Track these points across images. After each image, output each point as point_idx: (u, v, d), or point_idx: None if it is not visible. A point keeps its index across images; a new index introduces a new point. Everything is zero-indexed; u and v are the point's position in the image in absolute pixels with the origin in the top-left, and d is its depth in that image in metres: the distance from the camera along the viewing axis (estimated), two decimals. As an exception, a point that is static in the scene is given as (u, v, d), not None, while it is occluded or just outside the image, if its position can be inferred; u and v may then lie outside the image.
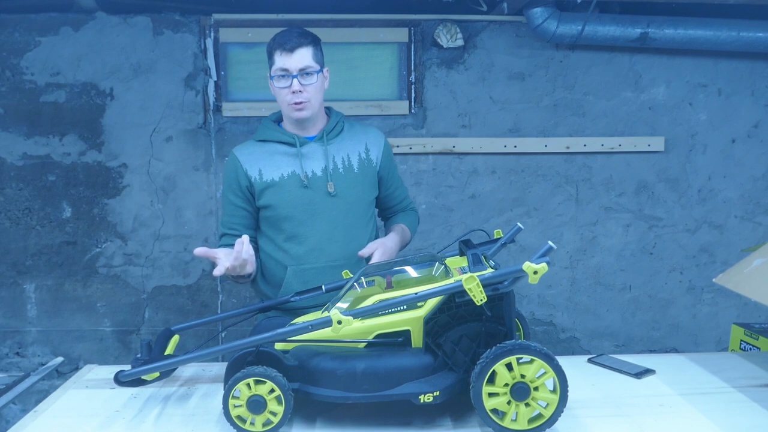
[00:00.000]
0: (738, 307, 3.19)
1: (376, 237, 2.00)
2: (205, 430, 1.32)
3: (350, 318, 1.26)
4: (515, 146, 3.02)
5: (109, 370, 1.61)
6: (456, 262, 1.45)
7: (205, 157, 2.98)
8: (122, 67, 2.90)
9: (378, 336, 1.33)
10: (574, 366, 1.59)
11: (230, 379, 1.26)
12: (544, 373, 1.23)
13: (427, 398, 1.26)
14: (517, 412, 1.24)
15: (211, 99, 2.94)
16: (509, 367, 1.22)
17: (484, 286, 1.22)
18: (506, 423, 1.24)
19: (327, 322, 1.26)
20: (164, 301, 3.06)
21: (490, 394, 1.23)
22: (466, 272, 1.27)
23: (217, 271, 1.57)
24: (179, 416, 1.39)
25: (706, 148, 3.08)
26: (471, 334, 1.30)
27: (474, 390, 1.23)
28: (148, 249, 3.02)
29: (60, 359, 2.33)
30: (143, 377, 1.39)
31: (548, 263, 1.19)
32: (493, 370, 1.22)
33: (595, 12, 2.78)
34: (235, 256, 1.61)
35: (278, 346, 1.37)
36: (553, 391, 1.24)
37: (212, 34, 2.90)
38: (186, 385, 1.56)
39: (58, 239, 2.99)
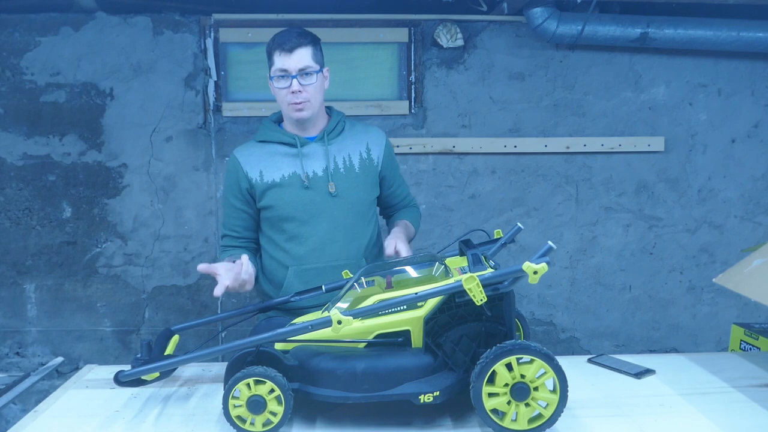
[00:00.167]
0: (738, 307, 3.19)
1: (378, 237, 2.00)
2: (205, 430, 1.32)
3: (350, 318, 1.26)
4: (515, 146, 3.02)
5: (109, 370, 1.61)
6: (456, 262, 1.45)
7: (205, 157, 2.98)
8: (122, 67, 2.90)
9: (378, 336, 1.34)
10: (574, 366, 1.59)
11: (230, 379, 1.26)
12: (544, 373, 1.23)
13: (427, 398, 1.26)
14: (517, 412, 1.24)
15: (211, 99, 2.94)
16: (509, 367, 1.23)
17: (484, 286, 1.22)
18: (506, 423, 1.24)
19: (327, 322, 1.27)
20: (164, 301, 3.06)
21: (490, 394, 1.23)
22: (466, 272, 1.27)
23: (218, 291, 1.59)
24: (179, 416, 1.39)
25: (706, 148, 3.08)
26: (471, 334, 1.30)
27: (474, 390, 1.23)
28: (148, 249, 3.02)
29: (60, 359, 2.33)
30: (143, 377, 1.39)
31: (548, 263, 1.20)
32: (493, 370, 1.22)
33: (595, 12, 2.78)
34: (234, 277, 1.64)
35: (278, 346, 1.37)
36: (553, 391, 1.24)
37: (212, 34, 2.90)
38: (186, 385, 1.56)
39: (58, 239, 2.99)
